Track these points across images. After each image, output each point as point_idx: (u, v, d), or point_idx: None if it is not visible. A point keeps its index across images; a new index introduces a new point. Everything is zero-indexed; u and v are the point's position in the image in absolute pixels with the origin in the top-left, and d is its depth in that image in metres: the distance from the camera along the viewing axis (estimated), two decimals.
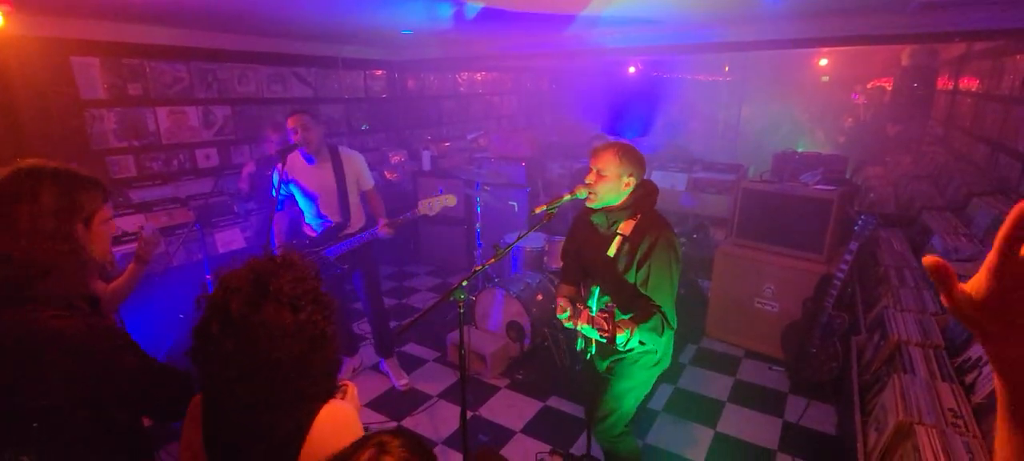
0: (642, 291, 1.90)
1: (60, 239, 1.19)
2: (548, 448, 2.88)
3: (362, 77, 6.14)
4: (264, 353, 0.99)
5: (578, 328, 1.94)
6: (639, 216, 1.94)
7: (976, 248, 2.69)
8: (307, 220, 3.17)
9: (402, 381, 3.43)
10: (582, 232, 2.14)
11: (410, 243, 5.82)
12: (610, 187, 1.92)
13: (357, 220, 3.16)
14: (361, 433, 1.03)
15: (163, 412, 1.34)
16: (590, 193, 1.94)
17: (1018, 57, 3.51)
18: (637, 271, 1.89)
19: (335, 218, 3.09)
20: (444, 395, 3.37)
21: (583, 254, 2.14)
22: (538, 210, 2.02)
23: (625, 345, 1.77)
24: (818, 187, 3.51)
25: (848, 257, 3.00)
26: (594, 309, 1.97)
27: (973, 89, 4.57)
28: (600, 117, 8.18)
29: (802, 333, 3.27)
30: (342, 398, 1.18)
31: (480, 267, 2.09)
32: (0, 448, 1.15)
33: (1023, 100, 3.30)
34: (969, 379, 1.95)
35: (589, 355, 2.13)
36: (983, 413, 1.75)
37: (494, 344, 3.57)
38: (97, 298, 1.35)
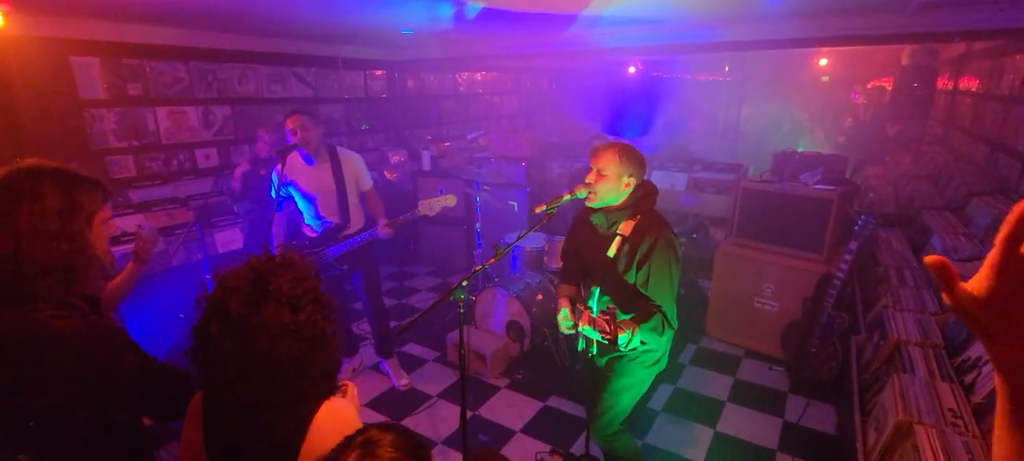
0: (642, 291, 1.90)
1: (65, 239, 1.20)
2: (548, 448, 2.88)
3: (362, 77, 6.14)
4: (263, 353, 0.99)
5: (579, 329, 1.94)
6: (639, 216, 1.94)
7: (976, 248, 2.69)
8: (306, 221, 3.17)
9: (402, 381, 3.43)
10: (582, 232, 2.14)
11: (410, 243, 5.82)
12: (610, 187, 1.92)
13: (356, 221, 3.15)
14: None
15: (163, 411, 1.34)
16: (590, 192, 1.94)
17: (1018, 57, 3.51)
18: (637, 271, 1.89)
19: (334, 219, 3.09)
20: (444, 395, 3.37)
21: (583, 254, 2.14)
22: (538, 210, 2.02)
23: (627, 346, 1.77)
24: (818, 187, 3.51)
25: (848, 257, 3.00)
26: (594, 310, 1.97)
27: (973, 89, 4.57)
28: (600, 117, 8.18)
29: (802, 333, 3.27)
30: (342, 397, 1.18)
31: (480, 267, 2.09)
32: None
33: (1023, 100, 3.30)
34: (968, 379, 1.95)
35: (590, 355, 2.13)
36: (983, 413, 1.75)
37: (494, 344, 3.57)
38: (96, 298, 1.35)
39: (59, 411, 1.16)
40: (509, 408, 3.23)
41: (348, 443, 0.91)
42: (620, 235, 1.93)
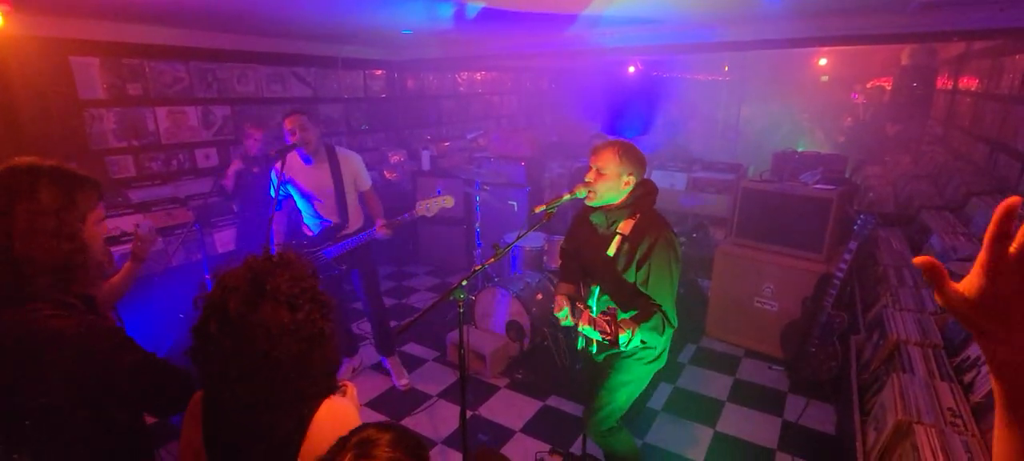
0: (642, 290, 1.89)
1: (63, 238, 1.19)
2: (548, 447, 2.88)
3: (361, 77, 6.14)
4: (262, 352, 0.99)
5: (579, 328, 1.94)
6: (638, 215, 1.94)
7: (975, 248, 2.69)
8: (305, 220, 3.17)
9: (402, 381, 3.43)
10: (581, 231, 2.13)
11: (409, 243, 5.82)
12: (610, 186, 1.92)
13: (355, 220, 3.15)
14: None
15: (164, 408, 1.34)
16: (590, 191, 1.94)
17: (1017, 56, 3.51)
18: (637, 270, 1.89)
19: (333, 218, 3.09)
20: (444, 395, 3.37)
21: (582, 254, 2.13)
22: (537, 209, 2.02)
23: (627, 345, 1.77)
24: (817, 187, 3.51)
25: (847, 256, 3.01)
26: (594, 309, 1.97)
27: (972, 88, 4.58)
28: (600, 116, 8.18)
29: (801, 332, 3.27)
30: (341, 397, 1.18)
31: (480, 267, 2.09)
32: None
33: (1022, 99, 3.30)
34: (968, 378, 1.95)
35: (590, 353, 2.13)
36: (982, 412, 1.75)
37: (494, 343, 3.58)
38: (93, 297, 1.35)
39: (58, 411, 1.16)
40: (509, 408, 3.23)
41: (344, 442, 0.91)
42: (620, 234, 1.93)
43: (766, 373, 3.56)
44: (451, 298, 1.93)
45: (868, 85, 8.29)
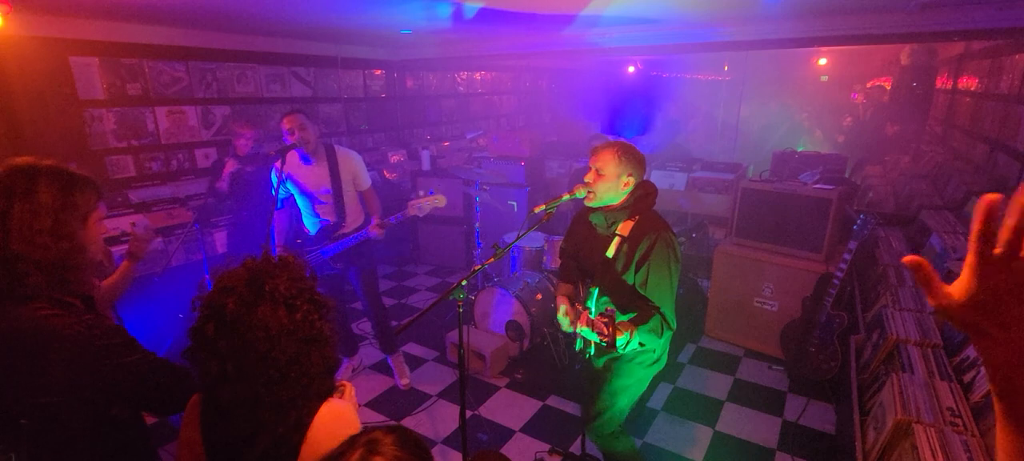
0: (641, 292, 1.89)
1: (61, 237, 1.20)
2: (547, 447, 2.88)
3: (361, 76, 6.14)
4: (260, 353, 0.99)
5: (577, 330, 1.93)
6: (638, 217, 1.93)
7: None
8: (304, 219, 3.18)
9: (404, 380, 3.43)
10: (581, 232, 2.13)
11: (409, 243, 5.82)
12: (609, 187, 1.92)
13: (354, 220, 3.15)
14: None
15: (163, 408, 1.34)
16: (589, 192, 1.94)
17: (1016, 56, 3.51)
18: (636, 272, 1.89)
19: (331, 217, 3.09)
20: (443, 394, 3.37)
21: (582, 254, 2.13)
22: (537, 209, 2.02)
23: (625, 347, 1.77)
24: (817, 186, 3.51)
25: (847, 256, 3.01)
26: (593, 310, 1.97)
27: (972, 88, 4.58)
28: (599, 116, 8.20)
29: (801, 332, 3.27)
30: (340, 398, 1.18)
31: (479, 266, 2.09)
32: None
33: (1022, 99, 3.30)
34: (967, 378, 1.95)
35: (588, 355, 2.13)
36: (981, 412, 1.75)
37: (493, 343, 3.58)
38: (91, 297, 1.35)
39: (55, 409, 1.17)
40: (508, 408, 3.23)
41: (353, 442, 0.92)
42: (619, 235, 1.93)
43: (766, 373, 3.56)
44: (451, 298, 1.93)
45: (868, 85, 8.30)
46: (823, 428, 2.98)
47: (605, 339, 1.72)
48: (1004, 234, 0.46)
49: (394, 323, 4.03)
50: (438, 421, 3.12)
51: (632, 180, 1.93)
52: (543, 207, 2.01)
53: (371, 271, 3.28)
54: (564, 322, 2.02)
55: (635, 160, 1.94)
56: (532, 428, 3.04)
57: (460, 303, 1.97)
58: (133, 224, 1.80)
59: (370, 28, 4.60)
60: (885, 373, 2.20)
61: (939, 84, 6.01)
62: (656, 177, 5.43)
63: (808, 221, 3.46)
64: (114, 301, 1.74)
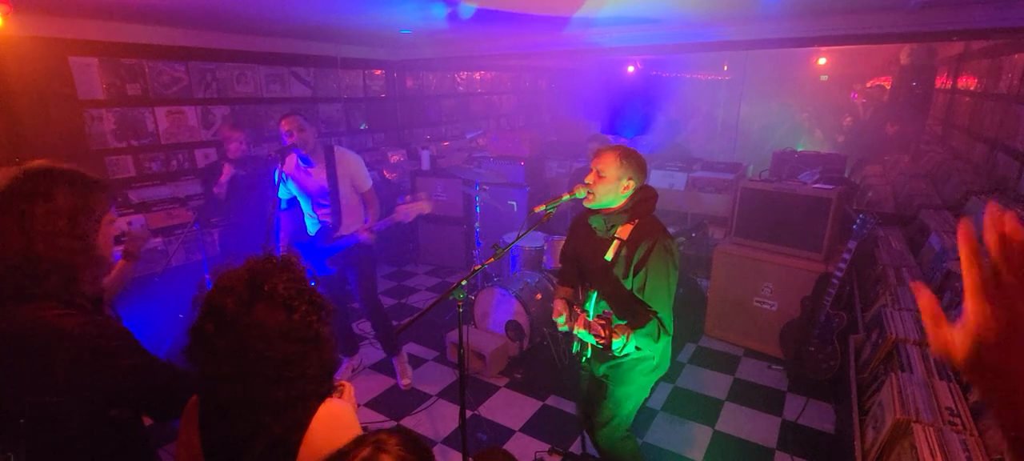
0: (638, 296, 1.89)
1: (78, 239, 1.22)
2: (547, 447, 2.88)
3: (361, 76, 6.14)
4: (257, 353, 0.99)
5: (574, 332, 1.94)
6: (637, 220, 1.93)
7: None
8: (306, 220, 3.18)
9: (405, 380, 3.43)
10: (581, 234, 2.14)
11: (409, 243, 5.82)
12: (609, 189, 1.92)
13: (353, 222, 3.12)
14: (359, 432, 1.03)
15: (164, 412, 1.34)
16: (589, 193, 1.94)
17: (1016, 56, 3.52)
18: (634, 276, 1.89)
19: (327, 219, 3.09)
20: (443, 394, 3.37)
21: (580, 257, 2.13)
22: (537, 209, 2.02)
23: (621, 350, 1.77)
24: (817, 186, 3.51)
25: (846, 256, 3.01)
26: (591, 314, 1.97)
27: (971, 88, 4.58)
28: (599, 116, 8.20)
29: (801, 332, 3.28)
30: (339, 398, 1.19)
31: (479, 266, 2.09)
32: None
33: (1021, 99, 3.30)
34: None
35: (585, 359, 2.13)
36: (980, 411, 1.75)
37: (493, 343, 3.58)
38: (99, 297, 1.36)
39: (56, 409, 1.17)
40: (508, 407, 3.23)
41: (361, 440, 0.93)
42: (618, 239, 1.93)
43: (765, 372, 3.56)
44: (451, 298, 1.93)
45: (868, 85, 8.30)
46: (822, 427, 2.98)
47: (601, 341, 1.72)
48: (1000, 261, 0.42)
49: (394, 323, 4.03)
50: (438, 421, 3.12)
51: (633, 184, 1.94)
52: (543, 207, 2.01)
53: (369, 273, 3.25)
54: (561, 321, 2.02)
55: (636, 164, 1.94)
56: (532, 428, 3.04)
57: (460, 303, 1.97)
58: (130, 223, 1.82)
59: (370, 28, 4.60)
60: (884, 372, 2.20)
61: (939, 84, 6.01)
62: (656, 177, 5.44)
63: (808, 221, 3.46)
64: (110, 300, 1.75)
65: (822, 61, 8.43)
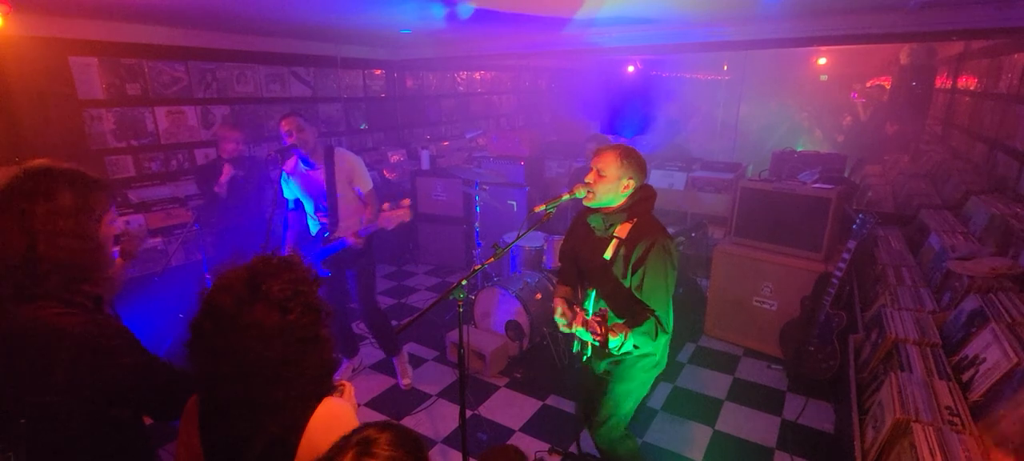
0: (637, 295, 1.90)
1: (77, 238, 1.22)
2: (547, 447, 2.88)
3: (361, 76, 6.14)
4: (255, 352, 0.99)
5: (573, 331, 1.94)
6: (635, 220, 1.94)
7: (973, 246, 2.70)
8: (308, 220, 3.18)
9: (406, 380, 3.43)
10: (580, 233, 2.14)
11: (409, 243, 5.82)
12: (609, 188, 1.93)
13: (351, 224, 3.10)
14: None
15: (165, 412, 1.34)
16: (589, 192, 1.95)
17: (1015, 56, 3.52)
18: (632, 275, 1.89)
19: (325, 220, 3.08)
20: (443, 394, 3.37)
21: (580, 256, 2.14)
22: (537, 209, 2.02)
23: (618, 349, 1.77)
24: (816, 186, 3.51)
25: (846, 256, 3.01)
26: (589, 313, 1.97)
27: (971, 88, 4.58)
28: (599, 116, 8.20)
29: (800, 331, 3.28)
30: (339, 397, 1.19)
31: (479, 266, 2.09)
32: None
33: (1021, 98, 3.30)
34: (966, 377, 1.95)
35: (585, 358, 2.13)
36: (980, 411, 1.76)
37: (493, 343, 3.58)
38: (101, 296, 1.36)
39: (56, 409, 1.17)
40: (508, 407, 3.23)
41: (345, 442, 0.91)
42: (616, 238, 1.94)
43: (765, 372, 3.56)
44: (451, 298, 1.93)
45: (867, 84, 8.30)
46: (822, 427, 2.98)
47: (598, 338, 1.72)
48: None
49: (394, 323, 4.03)
50: (438, 420, 3.12)
51: (632, 183, 1.94)
52: (543, 207, 2.01)
53: (366, 275, 3.22)
54: (561, 322, 2.03)
55: (637, 164, 1.94)
56: (532, 427, 3.05)
57: (460, 303, 1.97)
58: (128, 222, 1.83)
59: (370, 28, 4.60)
60: (884, 372, 2.20)
61: (938, 83, 6.01)
62: (655, 176, 5.44)
63: (807, 220, 3.46)
64: (110, 299, 1.75)
65: (822, 61, 8.44)
